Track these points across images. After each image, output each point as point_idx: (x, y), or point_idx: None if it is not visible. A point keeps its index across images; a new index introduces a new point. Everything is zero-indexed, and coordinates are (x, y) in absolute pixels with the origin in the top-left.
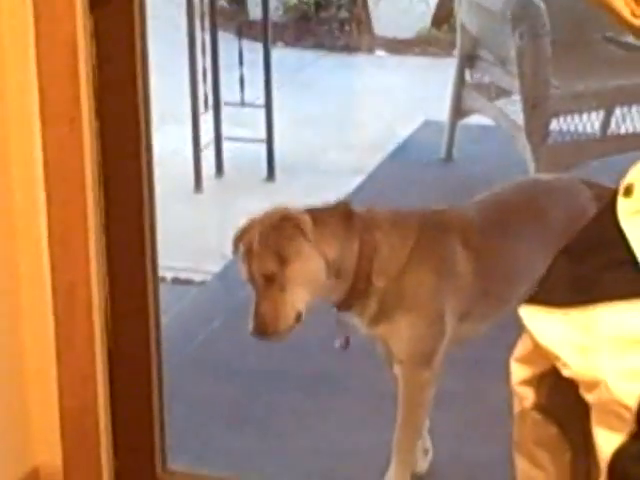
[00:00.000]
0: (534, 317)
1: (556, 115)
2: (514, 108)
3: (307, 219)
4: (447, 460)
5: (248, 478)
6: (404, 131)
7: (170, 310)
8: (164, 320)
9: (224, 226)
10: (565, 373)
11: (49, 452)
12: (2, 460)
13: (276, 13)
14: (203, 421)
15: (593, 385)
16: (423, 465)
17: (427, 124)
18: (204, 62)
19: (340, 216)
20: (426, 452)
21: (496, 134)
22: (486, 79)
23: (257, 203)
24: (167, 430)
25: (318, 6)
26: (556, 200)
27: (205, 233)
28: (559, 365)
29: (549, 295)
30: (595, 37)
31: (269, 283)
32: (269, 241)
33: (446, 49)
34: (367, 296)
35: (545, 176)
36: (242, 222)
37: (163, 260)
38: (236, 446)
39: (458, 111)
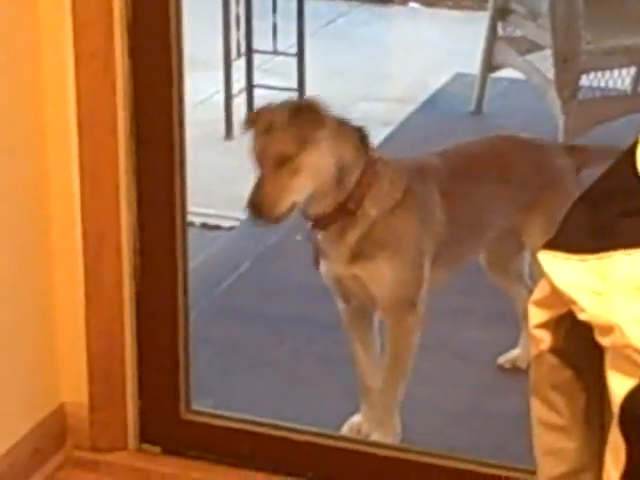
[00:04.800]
0: (552, 262)
1: (587, 71)
2: (545, 63)
3: (331, 115)
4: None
5: (271, 421)
6: (436, 83)
7: (198, 255)
8: (192, 265)
9: (253, 173)
10: (581, 317)
11: (76, 391)
12: (30, 397)
13: None
14: (228, 365)
15: (608, 330)
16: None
17: (459, 77)
18: (237, 9)
19: (357, 135)
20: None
21: (527, 88)
22: (518, 33)
23: None
24: (192, 372)
25: None
26: (526, 158)
27: (235, 180)
28: (575, 309)
29: (567, 241)
30: None
31: (281, 164)
32: (292, 122)
33: (480, 2)
34: (354, 223)
35: (525, 135)
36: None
37: (193, 206)
38: (260, 390)
39: (489, 64)
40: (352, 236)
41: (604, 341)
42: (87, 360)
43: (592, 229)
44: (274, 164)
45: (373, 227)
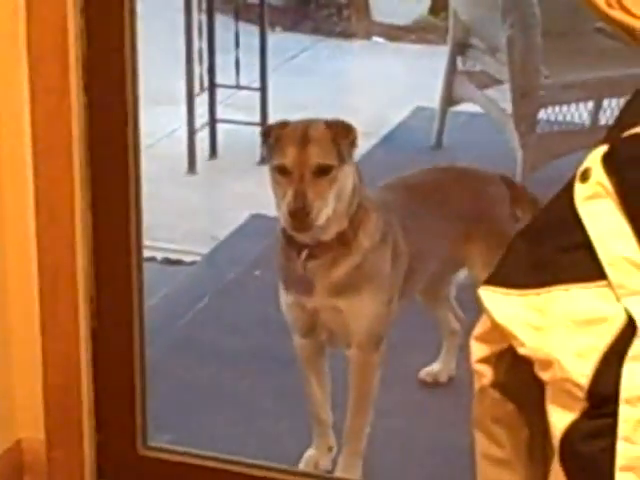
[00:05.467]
0: (492, 298)
1: (545, 105)
2: (504, 97)
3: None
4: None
5: (228, 456)
6: (397, 117)
7: (159, 290)
8: (153, 300)
9: (216, 208)
10: (521, 351)
11: (32, 426)
12: None
13: None
14: (186, 400)
15: (547, 364)
16: (327, 462)
17: (419, 110)
18: (200, 43)
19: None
20: (330, 449)
21: (486, 122)
22: (477, 67)
23: (250, 186)
24: (150, 408)
25: None
26: (462, 187)
27: (197, 215)
28: (515, 344)
29: (507, 277)
30: (586, 27)
31: (321, 175)
32: (330, 135)
33: (442, 37)
34: (347, 254)
35: (462, 165)
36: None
37: (154, 241)
38: (217, 425)
39: (449, 98)
40: (343, 268)
41: (544, 375)
42: (43, 395)
43: (531, 264)
44: (313, 174)
45: (363, 260)
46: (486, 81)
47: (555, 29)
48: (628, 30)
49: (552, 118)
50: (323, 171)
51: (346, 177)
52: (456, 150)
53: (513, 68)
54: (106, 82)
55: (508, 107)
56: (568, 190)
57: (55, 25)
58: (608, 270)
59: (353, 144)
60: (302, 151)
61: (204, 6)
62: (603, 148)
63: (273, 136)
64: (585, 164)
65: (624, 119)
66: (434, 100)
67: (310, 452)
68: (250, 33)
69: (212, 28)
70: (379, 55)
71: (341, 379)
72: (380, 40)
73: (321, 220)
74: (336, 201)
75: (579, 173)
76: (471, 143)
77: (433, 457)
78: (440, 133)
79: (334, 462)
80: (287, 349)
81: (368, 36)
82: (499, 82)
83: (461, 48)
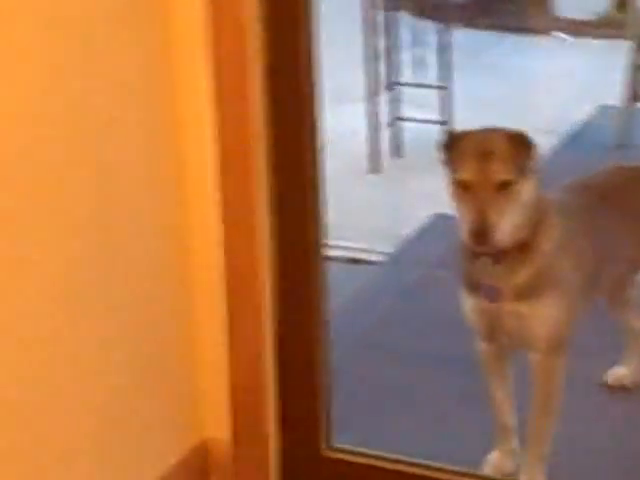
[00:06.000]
0: None
1: None
2: None
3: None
4: None
5: (411, 459)
6: (580, 115)
7: (345, 289)
8: (339, 299)
9: (400, 207)
10: None
11: (219, 427)
12: (174, 433)
13: None
14: (370, 401)
15: None
16: (510, 466)
17: (604, 109)
18: (383, 42)
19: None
20: (513, 453)
21: None
22: None
23: (434, 185)
24: (333, 409)
25: None
26: None
27: (381, 214)
28: None
29: None
30: None
31: (503, 190)
32: (511, 149)
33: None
34: (529, 259)
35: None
36: (451, 131)
37: (338, 240)
38: (401, 427)
39: (633, 95)
40: (525, 272)
41: None
42: (230, 396)
43: None
44: (497, 188)
45: (544, 264)
46: None
47: None
48: None
49: None
50: (504, 187)
51: (526, 191)
52: None
53: None
54: (286, 82)
55: None
56: None
57: (236, 30)
58: None
59: (533, 158)
60: (484, 166)
61: (387, 4)
62: None
63: (453, 147)
64: None
65: None
66: (619, 98)
67: (493, 455)
68: (429, 30)
69: (395, 26)
70: (563, 51)
71: (527, 382)
72: (563, 35)
73: (501, 237)
74: (516, 215)
75: None
76: None
77: (616, 461)
78: (627, 131)
79: (517, 466)
80: (471, 352)
81: (551, 31)
82: None
83: None
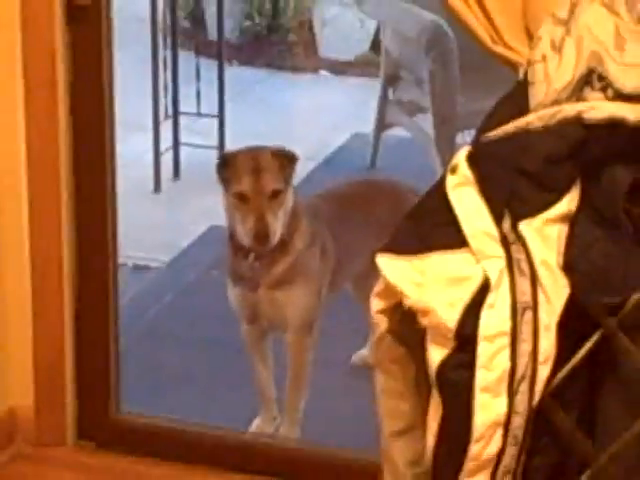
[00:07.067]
0: (386, 262)
1: (461, 129)
2: (427, 123)
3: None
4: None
5: (188, 423)
6: (336, 142)
7: (131, 289)
8: (127, 297)
9: (178, 222)
10: (407, 303)
11: (24, 395)
12: None
13: (233, 34)
14: (154, 378)
15: (426, 313)
16: (271, 429)
17: (357, 136)
18: (165, 76)
19: None
20: (274, 419)
21: (414, 145)
22: (405, 97)
23: (209, 202)
24: (122, 382)
25: (270, 29)
26: (383, 198)
27: (162, 228)
28: (403, 297)
29: (397, 246)
30: (498, 62)
31: (274, 198)
32: (277, 163)
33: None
34: (284, 254)
35: (376, 177)
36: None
37: (126, 250)
38: (180, 399)
39: (382, 124)
40: (281, 266)
41: (424, 322)
42: (33, 370)
43: (415, 236)
44: (270, 197)
45: (297, 259)
46: (413, 109)
47: (471, 63)
48: (511, 63)
49: (468, 141)
50: (275, 195)
51: (290, 198)
52: (389, 170)
53: (434, 98)
54: (88, 109)
55: (431, 132)
56: (442, 181)
57: (46, 59)
58: (470, 240)
59: (294, 169)
60: (258, 179)
61: (169, 42)
62: (468, 148)
63: (228, 166)
64: (454, 160)
65: (485, 126)
66: (370, 127)
67: (257, 421)
68: (209, 67)
69: (176, 62)
70: (325, 87)
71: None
72: (326, 74)
73: (277, 237)
74: (284, 218)
75: (450, 167)
76: (402, 164)
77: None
78: (374, 155)
79: (277, 428)
80: (238, 336)
81: (316, 70)
82: (424, 110)
83: (392, 80)
